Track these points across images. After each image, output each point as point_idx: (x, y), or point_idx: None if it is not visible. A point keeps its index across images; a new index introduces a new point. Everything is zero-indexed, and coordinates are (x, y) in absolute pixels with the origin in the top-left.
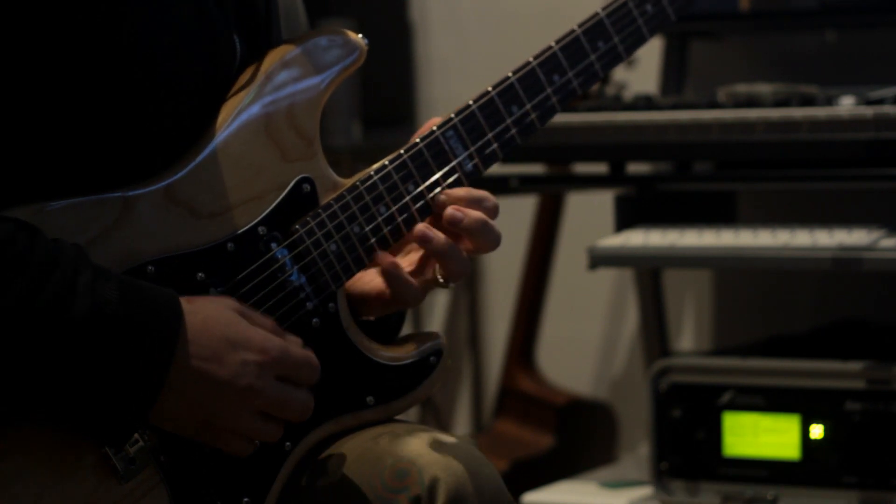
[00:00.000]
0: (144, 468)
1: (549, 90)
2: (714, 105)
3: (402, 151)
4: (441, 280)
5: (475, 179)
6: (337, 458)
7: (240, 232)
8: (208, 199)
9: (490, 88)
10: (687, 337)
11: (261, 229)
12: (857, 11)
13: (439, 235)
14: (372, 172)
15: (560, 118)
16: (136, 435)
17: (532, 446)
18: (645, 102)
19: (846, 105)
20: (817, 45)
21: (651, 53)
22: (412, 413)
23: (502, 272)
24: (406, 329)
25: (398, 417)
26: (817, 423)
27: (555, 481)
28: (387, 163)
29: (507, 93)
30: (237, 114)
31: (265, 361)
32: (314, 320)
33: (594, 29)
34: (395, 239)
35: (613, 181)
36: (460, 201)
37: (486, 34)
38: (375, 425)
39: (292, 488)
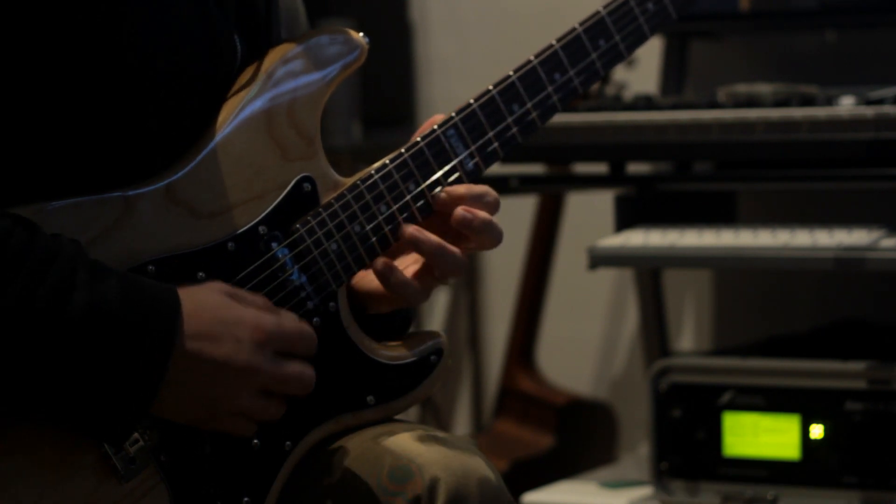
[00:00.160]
0: (145, 468)
1: (550, 89)
2: (714, 105)
3: (402, 150)
4: (439, 277)
5: (476, 178)
6: (337, 457)
7: (240, 231)
8: (209, 199)
9: (491, 87)
10: (687, 337)
11: (261, 229)
12: (857, 11)
13: (430, 237)
14: (373, 171)
15: (560, 118)
16: (136, 434)
17: (532, 446)
18: (645, 102)
19: (846, 105)
20: (817, 45)
21: (651, 53)
22: (412, 413)
23: (502, 272)
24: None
25: (398, 417)
26: (817, 423)
27: (555, 481)
28: (387, 162)
29: (508, 91)
30: (237, 113)
31: (260, 338)
32: (315, 320)
33: (595, 27)
34: (396, 238)
35: (613, 181)
36: (462, 199)
37: (486, 34)
38: (375, 425)
39: (292, 488)
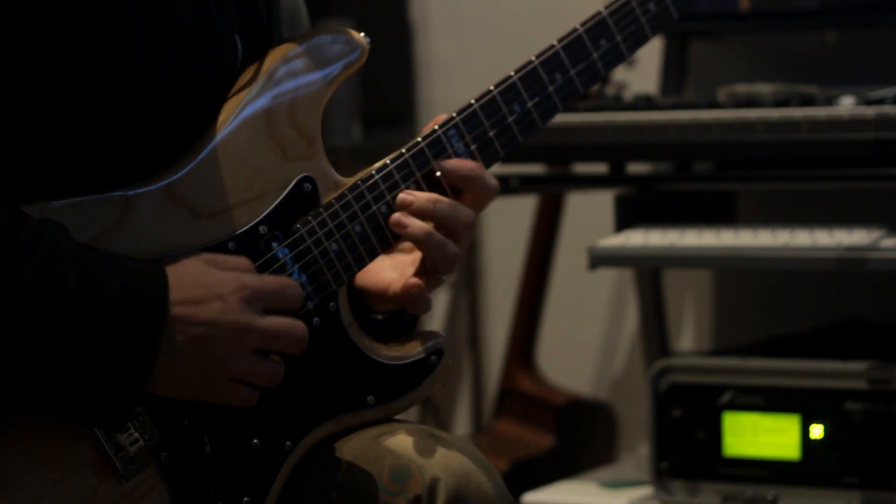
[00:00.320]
0: (145, 467)
1: (550, 89)
2: (714, 105)
3: (403, 150)
4: (435, 271)
5: None
6: (337, 457)
7: (240, 231)
8: (209, 199)
9: (492, 87)
10: (687, 337)
11: (262, 228)
12: (857, 11)
13: (415, 222)
14: (373, 171)
15: (560, 118)
16: (136, 434)
17: (532, 446)
18: (645, 102)
19: (846, 105)
20: (817, 45)
21: (651, 53)
22: (412, 413)
23: (502, 272)
24: None
25: (398, 417)
26: (817, 423)
27: (555, 481)
28: (388, 162)
29: (509, 91)
30: (238, 113)
31: (244, 296)
32: (315, 319)
33: (596, 27)
34: (396, 238)
35: (613, 181)
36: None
37: (486, 34)
38: (375, 425)
39: (292, 488)
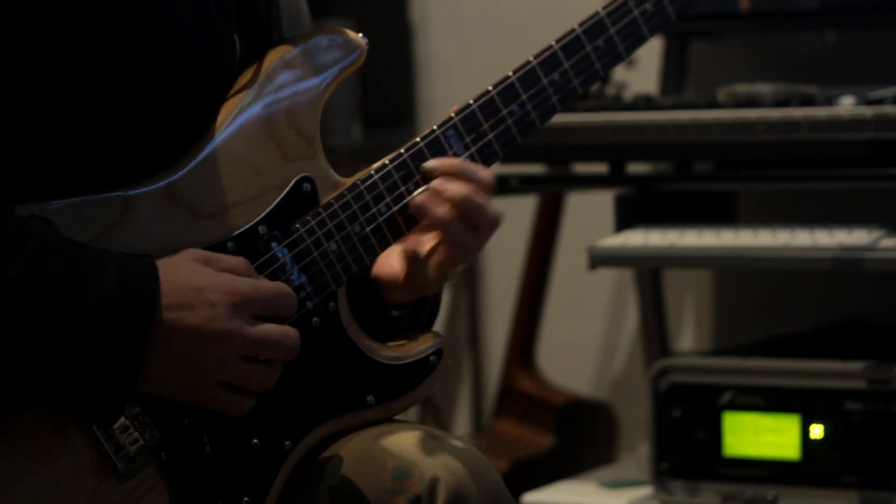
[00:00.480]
0: (145, 467)
1: (549, 89)
2: (714, 105)
3: (402, 150)
4: (450, 261)
5: None
6: (337, 457)
7: (240, 231)
8: (208, 199)
9: (490, 87)
10: (687, 337)
11: (261, 229)
12: (857, 11)
13: (438, 208)
14: (372, 172)
15: (560, 118)
16: (136, 434)
17: (532, 446)
18: (645, 102)
19: (846, 105)
20: (817, 45)
21: (651, 53)
22: (412, 413)
23: (502, 272)
24: None
25: (398, 417)
26: (817, 423)
27: (555, 481)
28: (387, 162)
29: (508, 92)
30: (237, 113)
31: (234, 301)
32: (314, 319)
33: (594, 28)
34: (396, 238)
35: (613, 181)
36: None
37: (486, 34)
38: (375, 425)
39: (292, 488)
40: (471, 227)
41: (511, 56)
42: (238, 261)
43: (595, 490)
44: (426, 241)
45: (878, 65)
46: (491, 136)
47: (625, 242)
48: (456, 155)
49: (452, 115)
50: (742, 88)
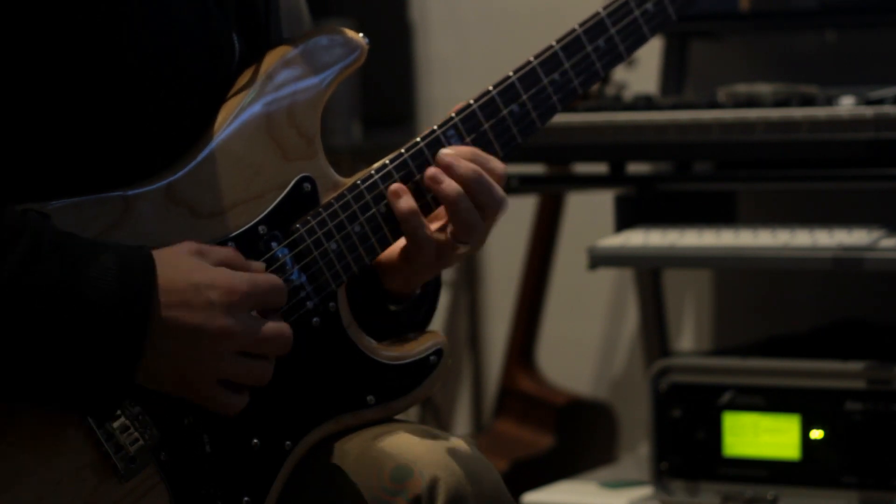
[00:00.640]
0: (145, 467)
1: (549, 89)
2: (714, 105)
3: (402, 150)
4: (454, 240)
5: None
6: (337, 457)
7: (240, 231)
8: (208, 199)
9: (491, 87)
10: (687, 337)
11: (261, 228)
12: (857, 11)
13: (450, 181)
14: (373, 171)
15: (560, 118)
16: (136, 434)
17: (532, 446)
18: (645, 102)
19: (846, 105)
20: (817, 45)
21: (651, 53)
22: (412, 413)
23: (502, 272)
24: None
25: (398, 417)
26: (817, 423)
27: (555, 481)
28: (387, 162)
29: (508, 92)
30: (237, 113)
31: (233, 300)
32: (314, 319)
33: (595, 28)
34: (396, 238)
35: (613, 181)
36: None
37: (486, 34)
38: (375, 425)
39: (292, 488)
40: (478, 205)
41: (511, 56)
42: (230, 252)
43: (595, 490)
44: (432, 220)
45: (878, 65)
46: (491, 136)
47: (625, 242)
48: None
49: (453, 114)
50: (742, 88)
